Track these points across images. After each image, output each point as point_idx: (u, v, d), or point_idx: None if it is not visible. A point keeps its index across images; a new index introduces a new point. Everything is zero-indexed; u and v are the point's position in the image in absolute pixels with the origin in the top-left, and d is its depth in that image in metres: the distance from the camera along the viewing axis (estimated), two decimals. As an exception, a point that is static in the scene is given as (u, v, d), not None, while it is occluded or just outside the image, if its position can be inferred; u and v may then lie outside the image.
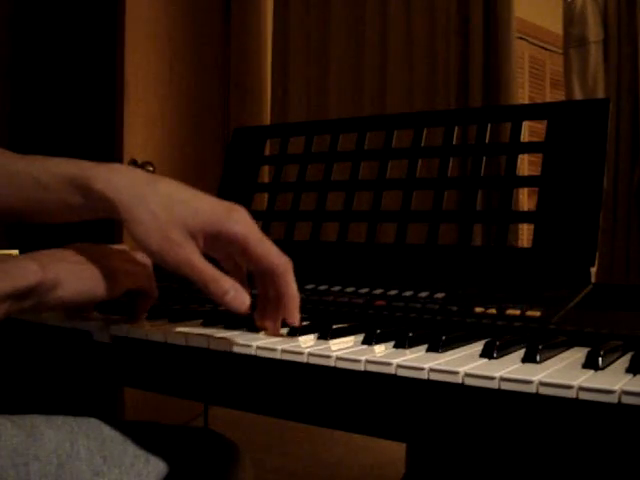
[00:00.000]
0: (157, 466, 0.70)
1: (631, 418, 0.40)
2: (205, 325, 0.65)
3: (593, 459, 0.41)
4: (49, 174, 0.60)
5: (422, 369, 0.47)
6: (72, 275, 0.58)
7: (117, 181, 0.58)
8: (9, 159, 0.63)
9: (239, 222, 0.58)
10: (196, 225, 0.57)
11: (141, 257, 0.67)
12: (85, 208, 0.60)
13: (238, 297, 0.57)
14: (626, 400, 0.40)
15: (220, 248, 0.60)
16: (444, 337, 0.53)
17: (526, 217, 0.83)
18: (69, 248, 0.62)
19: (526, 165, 2.50)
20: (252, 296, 0.62)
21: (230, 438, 0.81)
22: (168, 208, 0.57)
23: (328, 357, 0.51)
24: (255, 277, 0.61)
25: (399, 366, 0.48)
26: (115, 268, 0.62)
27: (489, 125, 0.86)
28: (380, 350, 0.53)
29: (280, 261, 0.58)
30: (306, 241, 0.93)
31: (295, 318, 0.59)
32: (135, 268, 0.65)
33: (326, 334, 0.58)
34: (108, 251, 0.64)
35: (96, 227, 0.64)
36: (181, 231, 0.56)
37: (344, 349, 0.53)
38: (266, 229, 0.97)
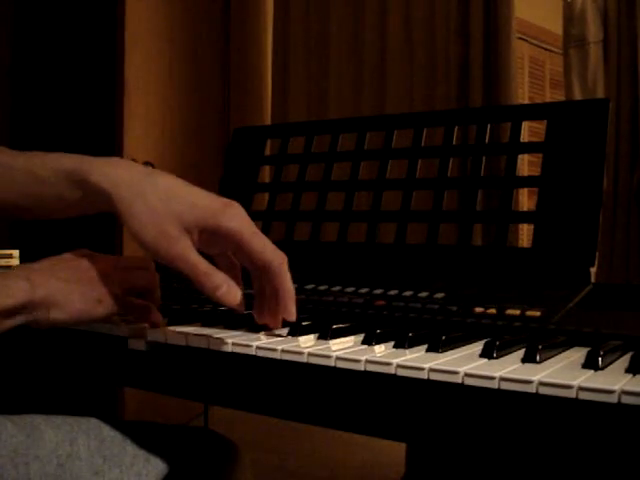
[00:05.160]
0: (157, 466, 0.70)
1: (631, 418, 0.40)
2: (205, 325, 0.65)
3: (593, 459, 0.41)
4: (47, 168, 0.60)
5: (422, 369, 0.47)
6: (63, 295, 0.57)
7: (114, 174, 0.58)
8: (7, 156, 0.63)
9: (234, 218, 0.58)
10: (192, 220, 0.57)
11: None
12: (83, 202, 0.60)
13: (230, 292, 0.57)
14: (626, 400, 0.40)
15: (215, 244, 0.60)
16: (444, 337, 0.53)
17: (526, 217, 0.83)
18: (63, 260, 0.60)
19: (526, 165, 2.50)
20: (248, 296, 0.62)
21: (230, 438, 0.81)
22: (165, 202, 0.57)
23: (328, 357, 0.52)
24: (251, 274, 0.61)
25: (399, 366, 0.48)
26: (111, 287, 0.60)
27: (489, 125, 0.86)
28: (380, 350, 0.53)
29: (275, 256, 0.58)
30: (306, 241, 0.93)
31: (291, 314, 0.59)
32: (135, 272, 0.63)
33: (326, 334, 0.58)
34: (105, 263, 0.61)
35: (96, 226, 0.64)
36: (177, 225, 0.56)
37: (344, 349, 0.53)
38: (266, 229, 0.97)
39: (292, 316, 0.59)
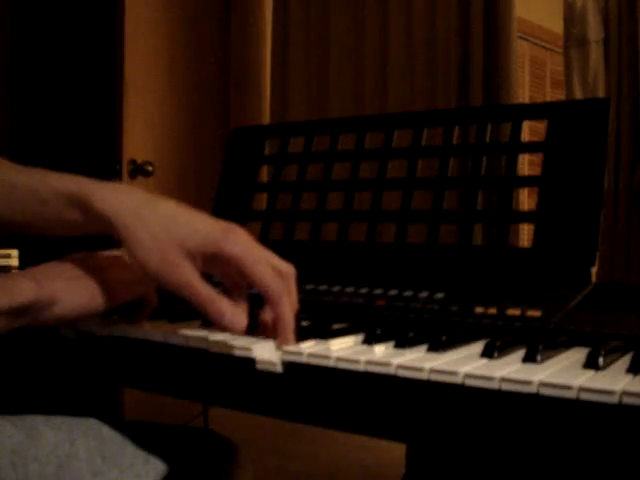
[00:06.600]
0: (156, 466, 0.70)
1: (632, 419, 0.40)
2: (205, 325, 0.65)
3: (594, 460, 0.41)
4: (49, 189, 0.60)
5: (422, 369, 0.47)
6: (68, 292, 0.58)
7: (116, 200, 0.58)
8: (9, 171, 0.63)
9: (237, 244, 0.58)
10: (195, 246, 0.57)
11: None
12: (84, 225, 0.60)
13: (235, 319, 0.57)
14: (627, 401, 0.40)
15: (219, 267, 0.60)
16: (444, 337, 0.53)
17: (526, 217, 0.83)
18: (65, 261, 0.61)
19: (526, 165, 2.50)
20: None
21: (230, 438, 0.81)
22: (167, 229, 0.57)
23: (328, 357, 0.51)
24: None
25: (399, 366, 0.48)
26: (112, 281, 0.61)
27: (489, 125, 0.86)
28: (380, 350, 0.53)
29: (274, 286, 0.58)
30: (306, 241, 0.92)
31: (288, 341, 0.57)
32: (133, 278, 0.64)
33: (326, 334, 0.58)
34: (105, 262, 0.63)
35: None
36: (180, 252, 0.56)
37: (344, 349, 0.53)
38: (266, 229, 0.97)
39: (288, 343, 0.57)
